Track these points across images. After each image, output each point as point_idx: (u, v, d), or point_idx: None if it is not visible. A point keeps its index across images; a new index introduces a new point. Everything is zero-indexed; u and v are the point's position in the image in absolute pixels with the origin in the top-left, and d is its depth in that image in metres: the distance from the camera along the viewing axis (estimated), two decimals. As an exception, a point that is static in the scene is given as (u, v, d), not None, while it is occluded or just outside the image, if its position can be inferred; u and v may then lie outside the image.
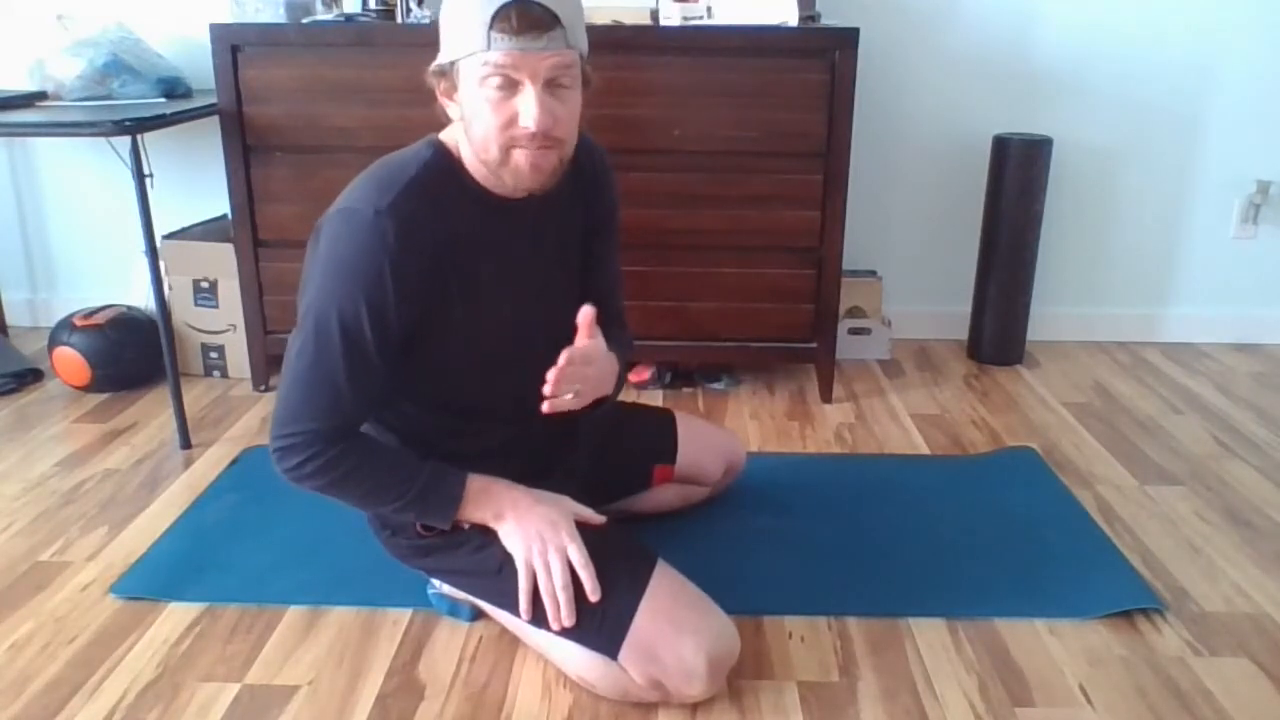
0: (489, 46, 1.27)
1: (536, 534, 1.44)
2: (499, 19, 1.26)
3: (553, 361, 1.37)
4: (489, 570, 1.50)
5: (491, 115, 1.31)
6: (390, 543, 1.61)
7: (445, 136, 1.44)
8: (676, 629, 1.40)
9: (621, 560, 1.46)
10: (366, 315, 1.34)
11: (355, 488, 1.44)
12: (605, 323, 1.59)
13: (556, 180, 1.39)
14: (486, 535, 1.49)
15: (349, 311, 1.34)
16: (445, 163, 1.41)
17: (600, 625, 1.41)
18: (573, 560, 1.42)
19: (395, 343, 1.40)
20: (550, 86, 1.31)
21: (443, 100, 1.39)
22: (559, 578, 1.41)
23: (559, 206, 1.51)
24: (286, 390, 1.40)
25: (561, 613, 1.41)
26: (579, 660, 1.46)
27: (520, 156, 1.33)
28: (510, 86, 1.29)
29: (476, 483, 1.47)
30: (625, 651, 1.40)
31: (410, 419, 1.54)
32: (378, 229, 1.32)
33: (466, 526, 1.49)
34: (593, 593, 1.40)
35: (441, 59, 1.35)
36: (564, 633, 1.43)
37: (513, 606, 1.48)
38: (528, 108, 1.29)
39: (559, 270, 1.59)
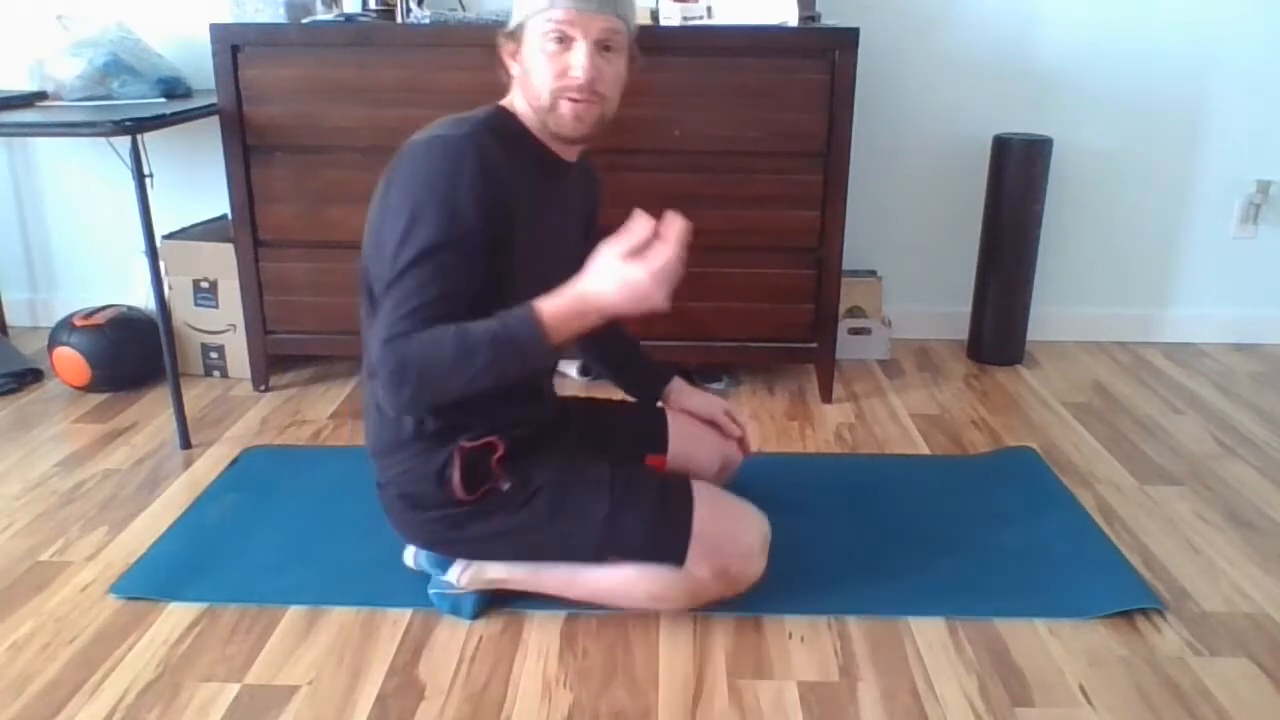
0: (551, 5, 1.44)
1: (632, 291, 1.37)
2: None
3: None
4: (540, 522, 1.56)
5: (547, 65, 1.46)
6: (419, 524, 1.61)
7: (504, 102, 1.57)
8: (730, 518, 1.59)
9: (661, 482, 1.62)
10: (471, 211, 1.41)
11: (437, 367, 1.38)
12: None
13: (595, 135, 1.53)
14: (528, 489, 1.55)
15: (455, 210, 1.40)
16: (507, 118, 1.54)
17: (665, 538, 1.54)
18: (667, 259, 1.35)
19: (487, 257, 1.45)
20: (599, 47, 1.46)
21: (506, 60, 1.54)
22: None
23: (584, 184, 1.69)
24: (386, 306, 1.41)
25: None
26: (649, 583, 1.57)
27: (566, 106, 1.48)
28: (565, 42, 1.45)
29: (547, 312, 1.39)
30: (693, 551, 1.54)
31: None
32: (460, 145, 1.43)
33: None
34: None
35: (512, 23, 1.51)
36: (633, 556, 1.56)
37: (568, 554, 1.59)
38: (578, 60, 1.45)
39: (576, 237, 1.68)
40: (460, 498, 1.54)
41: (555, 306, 1.39)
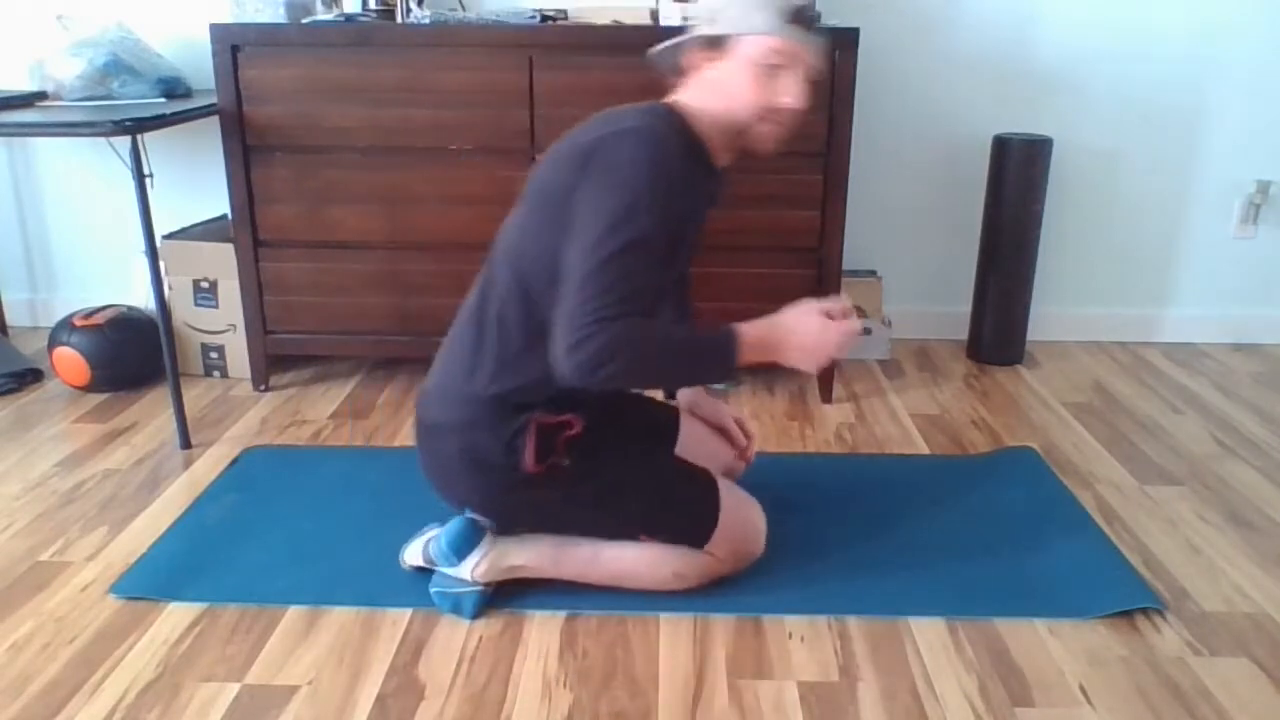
0: (781, 35, 1.50)
1: (818, 341, 1.54)
2: (797, 15, 1.52)
3: None
4: (592, 499, 1.63)
5: (756, 87, 1.52)
6: (472, 472, 1.62)
7: (671, 101, 1.59)
8: (743, 505, 1.72)
9: (689, 474, 1.71)
10: (675, 207, 1.47)
11: (648, 359, 1.46)
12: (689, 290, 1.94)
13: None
14: (588, 467, 1.61)
15: (664, 205, 1.45)
16: (679, 117, 1.56)
17: (700, 521, 1.67)
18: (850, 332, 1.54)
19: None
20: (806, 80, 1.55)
21: (694, 65, 1.57)
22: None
23: (719, 186, 1.71)
24: (593, 283, 1.42)
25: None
26: (673, 563, 1.67)
27: (767, 129, 1.56)
28: (776, 69, 1.51)
29: (747, 336, 1.51)
30: (717, 534, 1.67)
31: (532, 370, 1.56)
32: (664, 141, 1.47)
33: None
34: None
35: (718, 30, 1.54)
36: (664, 537, 1.66)
37: (605, 531, 1.67)
38: (796, 90, 1.53)
39: (698, 237, 1.74)
40: (528, 469, 1.57)
41: (754, 332, 1.51)
